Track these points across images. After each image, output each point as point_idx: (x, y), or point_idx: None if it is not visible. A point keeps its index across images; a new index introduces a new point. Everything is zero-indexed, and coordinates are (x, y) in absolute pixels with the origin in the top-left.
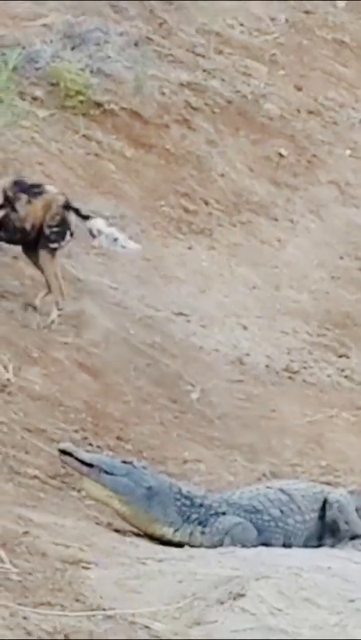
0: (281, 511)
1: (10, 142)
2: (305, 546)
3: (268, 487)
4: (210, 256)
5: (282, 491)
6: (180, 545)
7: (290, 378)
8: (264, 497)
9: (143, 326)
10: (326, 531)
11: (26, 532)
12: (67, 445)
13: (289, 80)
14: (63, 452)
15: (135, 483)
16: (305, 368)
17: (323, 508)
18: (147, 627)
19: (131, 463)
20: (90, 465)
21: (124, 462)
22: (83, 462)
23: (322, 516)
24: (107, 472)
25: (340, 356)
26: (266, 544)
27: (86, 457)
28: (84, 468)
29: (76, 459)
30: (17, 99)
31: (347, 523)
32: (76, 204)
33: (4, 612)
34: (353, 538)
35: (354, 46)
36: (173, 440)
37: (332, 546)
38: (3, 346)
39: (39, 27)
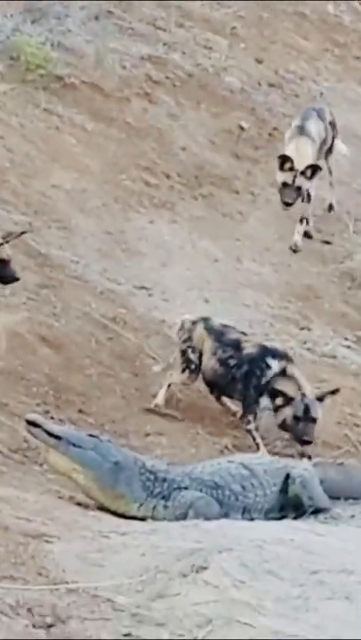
0: (242, 487)
1: None
2: (266, 518)
3: (229, 462)
4: (171, 229)
5: (243, 465)
6: (142, 519)
7: None
8: (226, 472)
9: (105, 300)
10: (289, 504)
11: None
12: (34, 417)
13: (250, 53)
14: (30, 422)
15: (102, 457)
16: (267, 341)
17: (285, 482)
18: (110, 600)
19: (97, 437)
20: (57, 437)
21: (91, 436)
22: (50, 434)
23: (284, 490)
24: (74, 445)
25: (302, 329)
26: (225, 518)
27: (54, 429)
28: (52, 440)
29: (44, 430)
30: None
31: (310, 498)
32: None
33: None
34: (317, 511)
35: (314, 19)
36: (135, 413)
37: (295, 519)
38: None
39: None
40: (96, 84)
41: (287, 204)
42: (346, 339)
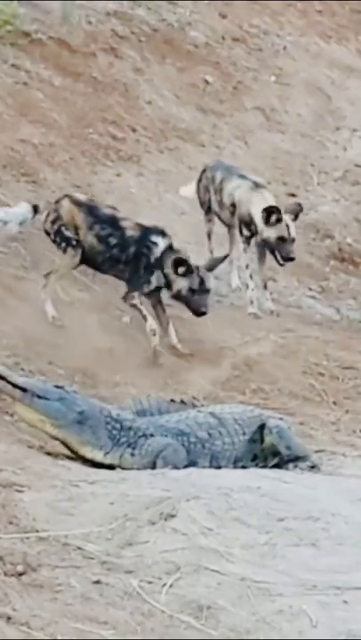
0: (209, 434)
1: None
2: (235, 467)
3: (198, 411)
4: (138, 182)
5: (212, 414)
6: (112, 467)
7: (218, 301)
8: (192, 420)
9: None
10: (265, 454)
11: None
12: (0, 369)
13: (214, 8)
14: None
15: (67, 407)
16: (233, 291)
17: (258, 432)
18: (80, 548)
19: (62, 388)
20: (23, 389)
21: (57, 387)
22: (16, 386)
23: (257, 440)
24: (39, 396)
25: (268, 279)
26: (192, 465)
27: (19, 381)
28: (17, 393)
29: (10, 382)
30: None
31: (288, 447)
32: None
33: None
34: (295, 459)
35: None
36: (105, 364)
37: (273, 467)
38: None
39: None
40: (63, 40)
41: (292, 260)
42: (310, 289)
